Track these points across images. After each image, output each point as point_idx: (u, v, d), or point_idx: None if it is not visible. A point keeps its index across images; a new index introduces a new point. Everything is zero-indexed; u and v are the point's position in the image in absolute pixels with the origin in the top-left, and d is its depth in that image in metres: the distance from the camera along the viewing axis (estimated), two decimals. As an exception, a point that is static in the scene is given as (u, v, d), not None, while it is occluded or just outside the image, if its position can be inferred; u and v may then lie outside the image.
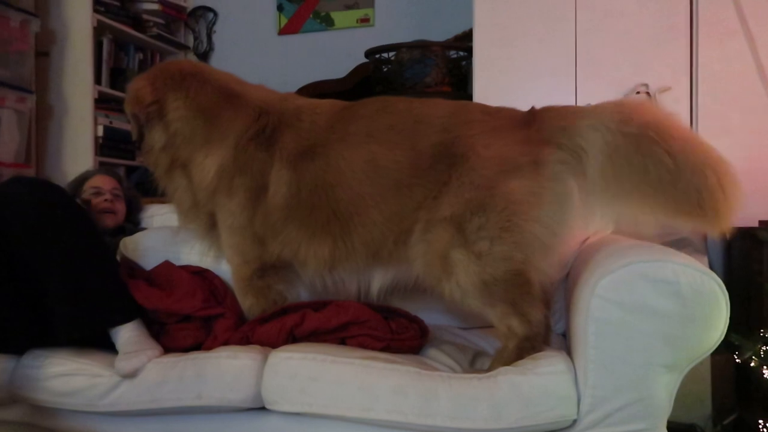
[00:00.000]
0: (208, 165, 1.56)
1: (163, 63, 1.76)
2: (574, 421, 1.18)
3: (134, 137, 1.72)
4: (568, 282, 1.48)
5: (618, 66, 2.65)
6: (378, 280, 1.48)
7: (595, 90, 2.68)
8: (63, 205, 1.55)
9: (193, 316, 1.57)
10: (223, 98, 1.58)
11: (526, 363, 1.22)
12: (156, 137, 1.61)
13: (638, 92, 2.59)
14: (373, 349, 1.40)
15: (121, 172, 3.11)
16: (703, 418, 2.00)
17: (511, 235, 1.25)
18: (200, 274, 1.70)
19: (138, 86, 1.65)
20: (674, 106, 2.58)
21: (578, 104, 2.73)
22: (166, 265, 1.71)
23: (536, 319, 1.30)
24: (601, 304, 1.16)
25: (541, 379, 1.18)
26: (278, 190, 1.48)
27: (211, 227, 1.64)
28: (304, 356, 1.33)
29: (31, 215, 1.49)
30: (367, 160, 1.40)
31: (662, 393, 1.16)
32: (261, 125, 1.54)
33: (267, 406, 1.35)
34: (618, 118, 1.27)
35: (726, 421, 1.92)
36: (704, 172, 1.17)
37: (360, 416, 1.27)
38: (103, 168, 2.40)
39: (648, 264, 1.15)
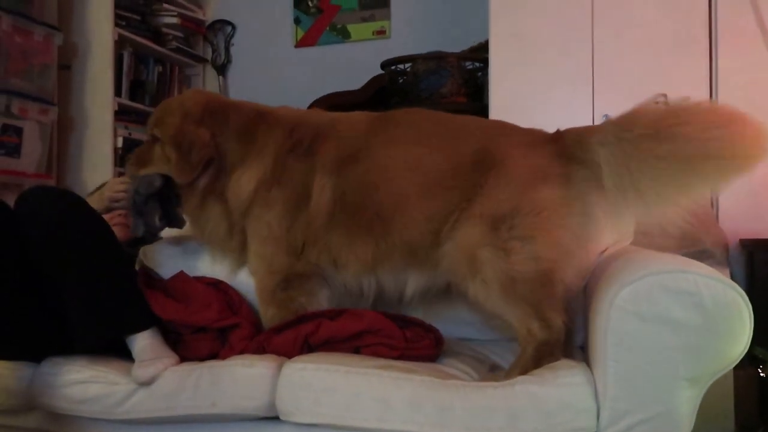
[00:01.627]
0: (244, 181, 1.59)
1: (191, 98, 1.68)
2: (593, 435, 1.16)
3: (184, 179, 1.61)
4: (587, 293, 1.46)
5: (636, 76, 2.64)
6: (413, 283, 1.51)
7: (612, 100, 2.67)
8: (81, 214, 1.57)
9: (209, 327, 1.57)
10: (257, 119, 1.64)
11: (545, 373, 1.20)
12: (203, 176, 1.62)
13: (657, 102, 2.56)
14: (388, 357, 1.39)
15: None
16: (726, 434, 1.95)
17: (542, 237, 1.30)
18: (215, 285, 1.70)
19: (196, 133, 1.58)
20: (693, 116, 2.55)
21: (595, 115, 2.71)
22: (182, 276, 1.72)
23: (557, 325, 1.30)
24: (621, 316, 1.14)
25: (560, 390, 1.16)
26: (321, 198, 1.52)
27: (244, 249, 1.66)
28: (317, 367, 1.32)
29: (49, 224, 1.51)
30: (411, 160, 1.46)
31: (684, 407, 1.13)
32: (297, 138, 1.59)
33: (281, 417, 1.34)
34: (618, 129, 1.34)
35: (750, 437, 1.87)
36: (711, 132, 1.21)
37: (375, 427, 1.26)
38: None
39: (669, 275, 1.13)
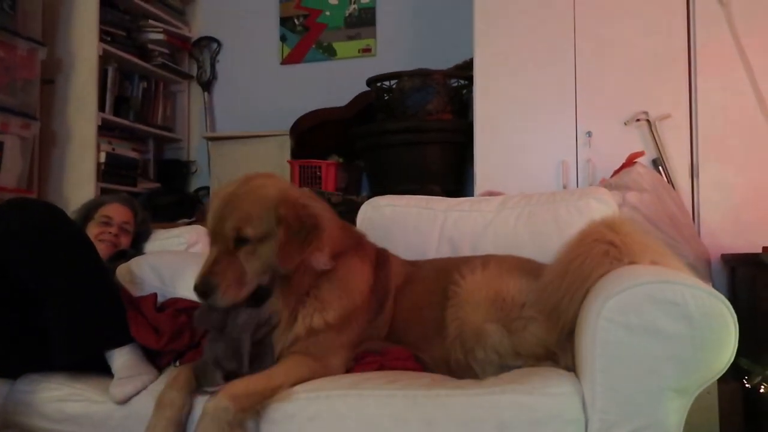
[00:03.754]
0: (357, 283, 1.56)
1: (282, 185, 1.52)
2: (582, 446, 1.15)
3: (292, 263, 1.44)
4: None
5: (618, 94, 2.68)
6: None
7: (595, 117, 2.71)
8: (60, 226, 1.54)
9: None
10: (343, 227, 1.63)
11: (534, 380, 1.20)
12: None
13: (638, 119, 2.61)
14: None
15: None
16: (712, 449, 1.95)
17: None
18: (186, 311, 1.65)
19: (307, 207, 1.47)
20: (674, 133, 2.61)
21: (579, 132, 2.74)
22: (153, 300, 1.67)
23: None
24: (608, 327, 1.14)
25: (549, 400, 1.15)
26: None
27: None
28: (297, 396, 1.29)
29: (28, 236, 1.48)
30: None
31: (672, 418, 1.13)
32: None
33: None
34: None
35: (736, 452, 1.87)
36: None
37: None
38: (122, 196, 2.33)
39: (655, 285, 1.13)
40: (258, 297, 1.42)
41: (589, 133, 2.71)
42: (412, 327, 1.54)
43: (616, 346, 1.14)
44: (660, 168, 2.56)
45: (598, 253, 1.33)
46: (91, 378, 1.51)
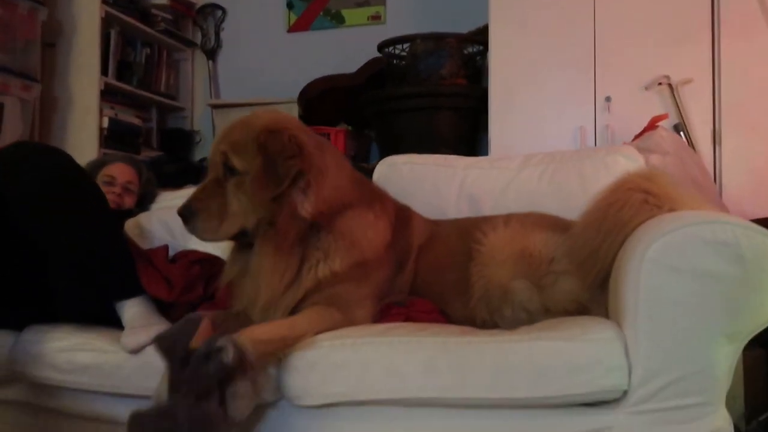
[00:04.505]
0: (372, 232, 1.48)
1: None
2: (625, 393, 1.08)
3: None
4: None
5: (638, 58, 2.60)
6: None
7: (614, 83, 2.63)
8: (69, 171, 1.47)
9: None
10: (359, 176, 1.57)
11: (572, 328, 1.14)
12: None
13: (660, 83, 2.54)
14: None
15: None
16: (736, 416, 1.90)
17: None
18: (200, 262, 1.59)
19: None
20: (696, 99, 2.53)
21: (597, 99, 2.67)
22: (164, 253, 1.60)
23: None
24: (654, 270, 1.08)
25: (590, 346, 1.09)
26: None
27: None
28: (320, 344, 1.23)
29: (34, 181, 1.41)
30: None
31: (722, 365, 1.07)
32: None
33: (290, 402, 1.24)
34: None
35: (761, 418, 1.82)
36: None
37: (390, 398, 1.17)
38: (126, 156, 2.27)
39: (705, 225, 1.07)
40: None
41: (608, 98, 2.64)
42: (435, 287, 1.48)
43: (663, 290, 1.08)
44: (681, 133, 2.49)
45: (637, 200, 1.26)
46: (100, 329, 1.45)
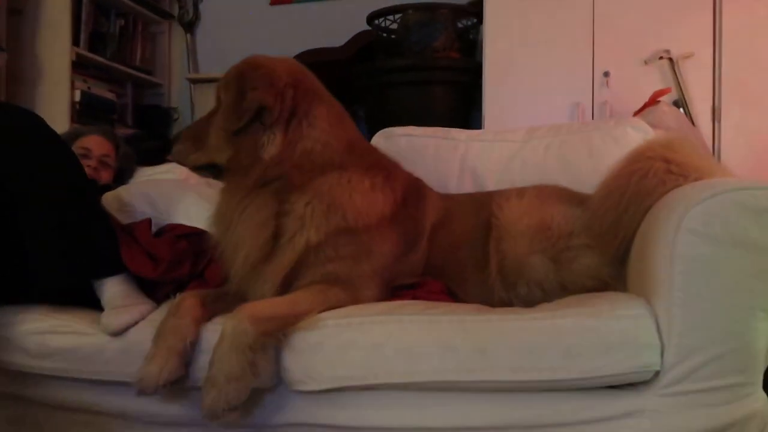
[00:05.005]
0: (369, 200, 1.38)
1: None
2: (657, 373, 1.01)
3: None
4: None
5: (638, 31, 2.52)
6: None
7: (612, 56, 2.55)
8: (44, 136, 1.33)
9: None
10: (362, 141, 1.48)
11: (600, 304, 1.05)
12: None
13: (661, 57, 2.47)
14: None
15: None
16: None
17: None
18: (187, 237, 1.47)
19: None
20: (697, 74, 2.47)
21: (595, 73, 2.59)
22: (147, 226, 1.47)
23: None
24: (690, 239, 1.00)
25: (620, 323, 1.01)
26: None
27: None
28: (324, 323, 1.13)
29: (5, 148, 1.27)
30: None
31: (761, 342, 1.00)
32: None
33: (290, 387, 1.13)
34: None
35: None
36: None
37: (403, 381, 1.08)
38: (102, 128, 2.11)
39: (745, 192, 0.99)
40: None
41: (606, 73, 2.56)
42: (451, 267, 1.37)
43: (700, 261, 1.00)
44: (681, 110, 2.43)
45: (660, 169, 1.18)
46: (77, 310, 1.32)
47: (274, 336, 1.09)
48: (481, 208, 1.39)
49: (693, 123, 2.41)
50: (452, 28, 2.78)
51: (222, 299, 1.27)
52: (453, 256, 1.37)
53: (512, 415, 1.05)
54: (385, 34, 2.97)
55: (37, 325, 1.26)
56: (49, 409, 1.30)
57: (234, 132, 1.24)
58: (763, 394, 1.02)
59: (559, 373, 1.01)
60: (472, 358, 1.04)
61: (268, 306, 1.12)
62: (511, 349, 1.03)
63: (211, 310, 1.22)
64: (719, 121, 2.44)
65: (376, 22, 2.97)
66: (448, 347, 1.06)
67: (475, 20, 2.95)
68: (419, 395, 1.09)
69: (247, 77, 1.24)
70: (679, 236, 1.00)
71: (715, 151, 2.43)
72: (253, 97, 1.21)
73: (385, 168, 1.39)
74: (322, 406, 1.13)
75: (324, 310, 1.15)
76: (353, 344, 1.09)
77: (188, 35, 3.76)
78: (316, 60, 3.17)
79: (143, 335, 1.19)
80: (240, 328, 1.06)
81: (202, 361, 1.12)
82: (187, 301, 1.18)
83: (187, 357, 1.14)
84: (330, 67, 3.13)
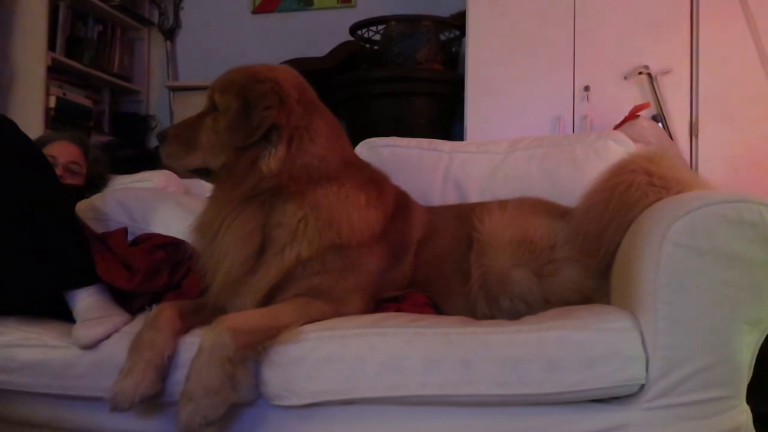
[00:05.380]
0: (361, 215, 1.36)
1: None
2: (642, 387, 1.00)
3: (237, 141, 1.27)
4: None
5: (618, 47, 2.56)
6: None
7: (593, 71, 2.58)
8: (15, 142, 1.29)
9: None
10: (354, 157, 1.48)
11: (585, 317, 1.04)
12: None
13: (640, 73, 2.50)
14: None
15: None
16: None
17: None
18: (164, 247, 1.43)
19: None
20: (675, 89, 2.51)
21: (576, 87, 2.61)
22: (123, 235, 1.43)
23: None
24: (675, 252, 1.00)
25: (605, 336, 1.00)
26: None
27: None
28: (306, 336, 1.10)
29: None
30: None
31: (744, 355, 1.00)
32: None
33: (270, 402, 1.10)
34: None
35: None
36: None
37: (386, 395, 1.05)
38: (70, 133, 2.01)
39: (729, 204, 1.00)
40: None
41: (586, 88, 2.59)
42: (436, 281, 1.36)
43: (684, 273, 0.99)
44: (660, 124, 2.46)
45: (643, 182, 1.18)
46: (48, 322, 1.28)
47: (255, 349, 1.05)
48: (464, 221, 1.38)
49: (671, 137, 2.45)
50: (435, 41, 2.78)
51: (200, 311, 1.23)
52: (437, 270, 1.35)
53: (497, 429, 1.03)
54: (367, 45, 2.96)
55: (4, 337, 1.21)
56: (14, 427, 1.25)
57: (241, 146, 1.21)
58: (747, 407, 1.02)
59: (544, 386, 0.99)
60: (457, 371, 1.02)
61: (248, 318, 1.09)
62: (496, 362, 1.01)
63: (189, 322, 1.19)
64: (696, 136, 2.48)
65: (359, 32, 2.97)
66: (432, 360, 1.04)
67: (457, 33, 2.96)
68: (403, 410, 1.06)
69: (255, 91, 1.20)
70: (664, 249, 1.00)
71: (693, 166, 2.46)
72: (268, 115, 1.19)
73: (377, 183, 1.38)
74: (303, 422, 1.10)
75: (306, 323, 1.12)
76: (335, 357, 1.07)
77: (168, 42, 3.72)
78: (298, 69, 3.16)
79: (117, 348, 1.15)
80: (219, 340, 1.02)
81: (179, 375, 1.08)
82: (165, 312, 1.15)
83: (164, 371, 1.10)
84: (312, 76, 3.07)
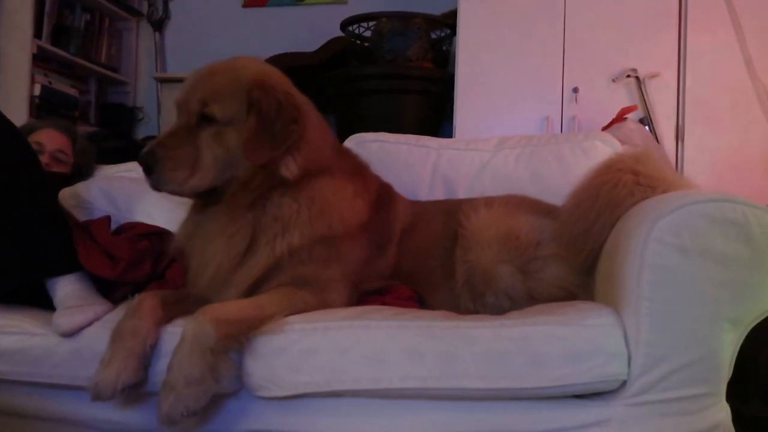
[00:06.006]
0: (351, 206, 1.37)
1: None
2: (624, 383, 1.00)
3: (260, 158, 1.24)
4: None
5: (607, 50, 2.58)
6: None
7: (582, 73, 2.60)
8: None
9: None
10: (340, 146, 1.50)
11: (569, 312, 1.05)
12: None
13: (628, 76, 2.52)
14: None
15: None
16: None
17: None
18: (148, 236, 1.42)
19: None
20: (662, 93, 2.53)
21: (564, 88, 2.63)
22: (106, 224, 1.41)
23: None
24: (659, 249, 1.00)
25: (588, 332, 1.01)
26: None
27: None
28: (289, 327, 1.09)
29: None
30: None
31: (726, 352, 1.01)
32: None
33: (252, 393, 1.10)
34: None
35: None
36: None
37: (369, 388, 1.05)
38: (57, 121, 1.99)
39: (713, 204, 1.00)
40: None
41: (575, 89, 2.60)
42: (420, 273, 1.36)
43: (668, 270, 1.00)
44: (647, 127, 2.48)
45: (629, 181, 1.19)
46: (28, 310, 1.26)
47: (238, 339, 1.05)
48: (450, 217, 1.38)
49: (657, 140, 2.47)
50: (426, 38, 2.78)
51: (184, 301, 1.22)
52: (422, 263, 1.35)
53: (480, 424, 1.04)
54: (358, 41, 2.96)
55: (-18, 325, 1.19)
56: (-8, 415, 1.23)
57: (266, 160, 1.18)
58: (727, 404, 1.03)
59: (527, 381, 1.00)
60: (440, 364, 1.02)
61: (232, 308, 1.08)
62: (480, 356, 1.01)
63: (171, 312, 1.17)
64: (682, 140, 2.51)
65: (350, 28, 2.96)
66: (415, 353, 1.04)
67: (448, 31, 2.97)
68: (385, 403, 1.06)
69: (269, 103, 1.17)
70: (648, 246, 1.01)
71: (678, 169, 2.49)
72: (292, 131, 1.18)
73: (361, 172, 1.39)
74: (285, 413, 1.09)
75: (291, 314, 1.12)
76: (318, 349, 1.06)
77: (157, 34, 3.68)
78: (287, 64, 3.13)
79: (97, 337, 1.14)
80: (201, 330, 1.01)
81: (162, 365, 1.07)
82: (147, 301, 1.13)
83: (147, 360, 1.09)
84: (301, 72, 3.09)
